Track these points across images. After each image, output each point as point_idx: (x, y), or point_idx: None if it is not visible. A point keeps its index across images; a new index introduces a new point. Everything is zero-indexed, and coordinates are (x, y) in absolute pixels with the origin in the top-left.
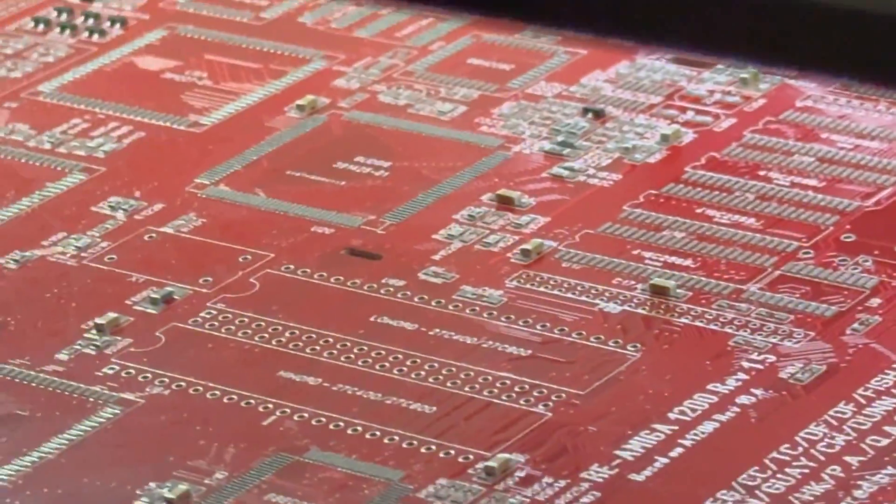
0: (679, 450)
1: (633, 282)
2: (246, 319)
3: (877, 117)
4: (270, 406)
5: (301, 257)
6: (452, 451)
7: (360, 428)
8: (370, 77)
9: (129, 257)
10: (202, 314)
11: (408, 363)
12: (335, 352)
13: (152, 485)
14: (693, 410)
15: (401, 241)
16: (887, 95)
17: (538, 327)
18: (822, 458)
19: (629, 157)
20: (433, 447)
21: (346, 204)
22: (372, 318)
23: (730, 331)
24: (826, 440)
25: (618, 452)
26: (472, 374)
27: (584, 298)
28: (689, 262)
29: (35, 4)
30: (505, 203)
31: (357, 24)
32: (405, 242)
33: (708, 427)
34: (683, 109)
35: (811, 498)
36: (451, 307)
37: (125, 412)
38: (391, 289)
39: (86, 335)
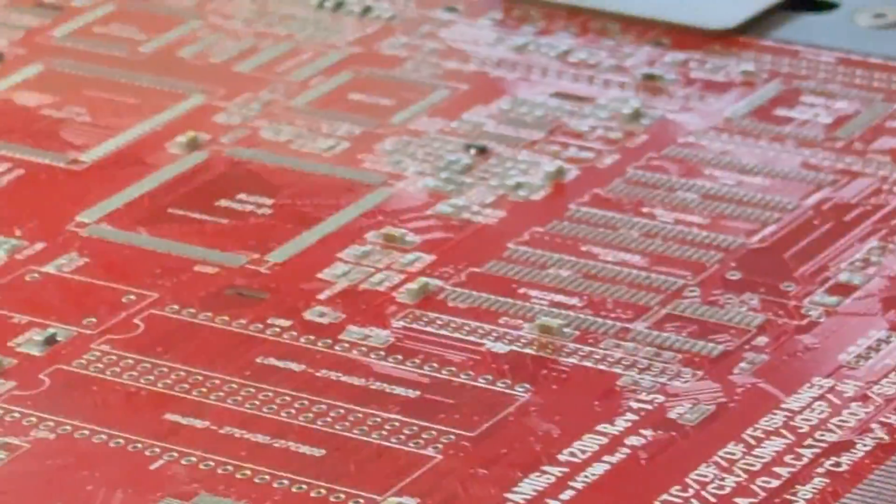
0: (570, 492)
1: (520, 321)
2: (131, 361)
3: (759, 153)
4: (158, 450)
5: (185, 297)
6: (343, 496)
7: (248, 472)
8: (251, 112)
9: (11, 297)
10: (86, 356)
11: (295, 405)
12: (222, 394)
13: None
14: (583, 452)
15: (285, 281)
16: (768, 132)
17: (426, 368)
18: (712, 499)
19: (513, 195)
20: (323, 491)
21: (229, 243)
22: (258, 360)
23: (618, 370)
24: (716, 481)
25: (508, 496)
26: (360, 416)
27: (471, 338)
28: (575, 301)
29: None
30: (390, 241)
31: (236, 58)
32: (290, 282)
33: (598, 469)
34: (566, 145)
35: None
36: (337, 348)
37: (10, 457)
38: (277, 329)
39: None
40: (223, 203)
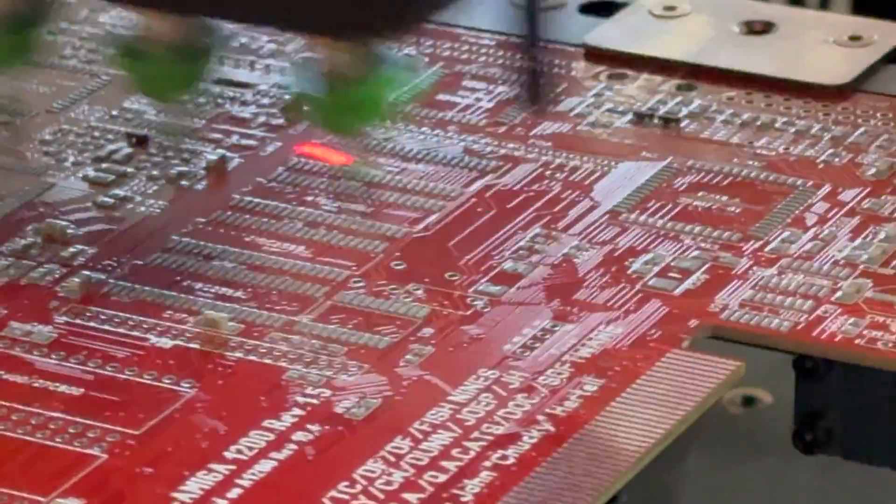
0: (238, 490)
1: (184, 315)
2: None
3: (421, 139)
4: None
5: None
6: (6, 497)
7: None
8: None
9: None
10: None
11: None
12: None
13: None
14: (250, 448)
15: None
16: (430, 117)
17: (90, 364)
18: (380, 495)
19: (175, 184)
20: None
21: None
22: None
23: (284, 364)
24: (384, 476)
25: (175, 494)
26: (23, 415)
27: (135, 333)
28: (240, 293)
29: None
30: (51, 234)
31: None
32: None
33: (266, 466)
34: (229, 133)
35: None
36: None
37: None
38: None
39: None
40: None
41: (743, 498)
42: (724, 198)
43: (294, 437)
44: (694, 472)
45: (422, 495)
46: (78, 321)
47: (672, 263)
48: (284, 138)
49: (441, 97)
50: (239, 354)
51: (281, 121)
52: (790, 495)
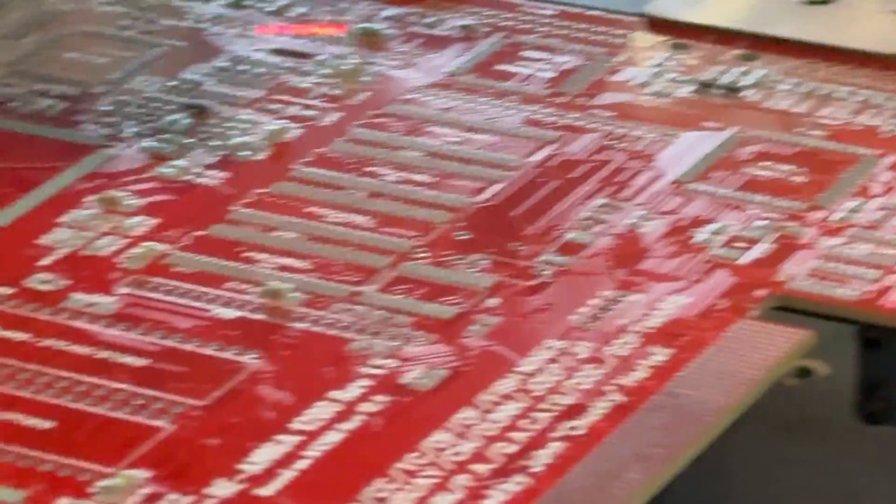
0: (305, 462)
1: (246, 285)
2: None
3: (482, 110)
4: None
5: None
6: (73, 469)
7: None
8: None
9: None
10: None
11: (21, 376)
12: None
13: None
14: (317, 420)
15: (4, 247)
16: (491, 87)
17: (154, 335)
18: (450, 466)
19: (235, 155)
20: (52, 465)
21: None
22: None
23: (349, 335)
24: (453, 447)
25: (242, 466)
26: (87, 386)
27: (198, 304)
28: (303, 264)
29: None
30: (111, 205)
31: None
32: (9, 248)
33: (333, 437)
34: (287, 104)
35: None
36: (62, 316)
37: None
38: None
39: None
40: None
41: (797, 471)
42: (788, 167)
43: (361, 409)
44: (748, 445)
45: (492, 466)
46: (140, 292)
47: (738, 233)
48: (343, 109)
49: (501, 67)
50: (303, 325)
51: (340, 91)
52: (845, 468)
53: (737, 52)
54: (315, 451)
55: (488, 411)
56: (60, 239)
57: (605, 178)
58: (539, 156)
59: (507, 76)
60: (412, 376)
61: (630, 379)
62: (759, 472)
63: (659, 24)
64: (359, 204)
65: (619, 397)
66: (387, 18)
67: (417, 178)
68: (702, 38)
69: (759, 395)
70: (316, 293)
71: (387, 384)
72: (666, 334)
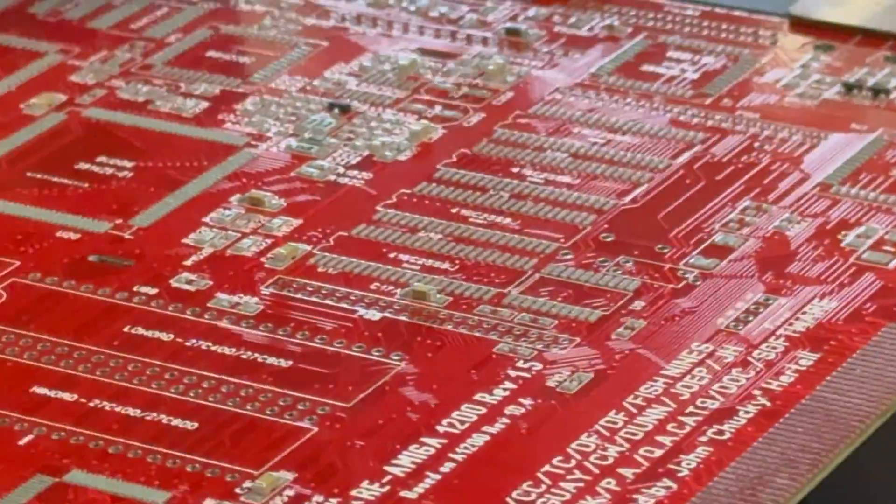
0: (450, 464)
1: (391, 287)
2: None
3: (627, 111)
4: (26, 425)
5: (48, 265)
6: (218, 470)
7: (121, 446)
8: (107, 72)
9: None
10: None
11: (166, 377)
12: (90, 365)
13: None
14: (462, 422)
15: (150, 247)
16: (635, 88)
17: (298, 336)
18: (596, 470)
19: (379, 155)
20: (198, 466)
21: (91, 207)
22: (126, 329)
23: (493, 337)
24: (599, 451)
25: (388, 468)
26: (232, 387)
27: (343, 305)
28: (447, 266)
29: None
30: (255, 205)
31: (90, 15)
32: (154, 248)
33: (478, 440)
34: (431, 104)
35: None
36: (206, 316)
37: None
38: (143, 297)
39: None
40: (83, 166)
41: None
42: None
43: (506, 411)
44: (887, 449)
45: (637, 470)
46: (284, 292)
47: (885, 237)
48: (487, 109)
49: (646, 68)
50: (448, 327)
51: (484, 91)
52: None
53: (883, 53)
54: (461, 453)
55: (634, 415)
56: (204, 239)
57: (751, 179)
58: (684, 157)
59: (651, 77)
60: (557, 379)
61: (776, 384)
62: None
63: (803, 25)
64: (503, 205)
65: (765, 402)
66: (529, 18)
67: (561, 179)
68: (846, 38)
69: None
70: (461, 294)
71: (532, 387)
72: (812, 339)
